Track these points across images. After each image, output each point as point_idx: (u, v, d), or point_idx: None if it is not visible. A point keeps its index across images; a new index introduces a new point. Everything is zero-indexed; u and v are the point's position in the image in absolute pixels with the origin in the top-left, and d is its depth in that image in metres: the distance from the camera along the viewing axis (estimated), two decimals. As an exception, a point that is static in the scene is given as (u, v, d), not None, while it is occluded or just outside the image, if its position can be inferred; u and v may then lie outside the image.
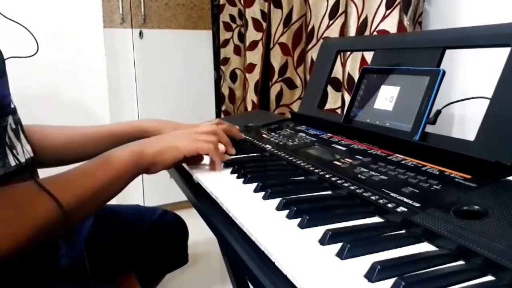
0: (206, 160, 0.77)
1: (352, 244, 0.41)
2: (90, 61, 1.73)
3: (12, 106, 0.70)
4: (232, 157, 0.76)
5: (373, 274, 0.36)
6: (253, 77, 1.99)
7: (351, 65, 1.39)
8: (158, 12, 2.12)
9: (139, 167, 0.64)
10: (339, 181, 0.60)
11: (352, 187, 0.57)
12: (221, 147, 0.75)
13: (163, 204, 2.13)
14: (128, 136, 0.87)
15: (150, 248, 0.94)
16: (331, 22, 1.51)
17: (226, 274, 1.28)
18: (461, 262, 0.39)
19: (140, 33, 2.09)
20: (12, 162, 0.64)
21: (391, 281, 0.35)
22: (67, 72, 1.68)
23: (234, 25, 2.17)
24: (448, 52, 0.71)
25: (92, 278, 0.80)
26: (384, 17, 1.25)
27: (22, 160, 0.67)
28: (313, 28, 1.62)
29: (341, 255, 0.40)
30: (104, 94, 1.78)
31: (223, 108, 2.27)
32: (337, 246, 0.42)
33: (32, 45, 0.76)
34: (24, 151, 0.68)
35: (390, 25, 1.24)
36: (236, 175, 0.69)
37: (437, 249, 0.42)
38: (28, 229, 0.50)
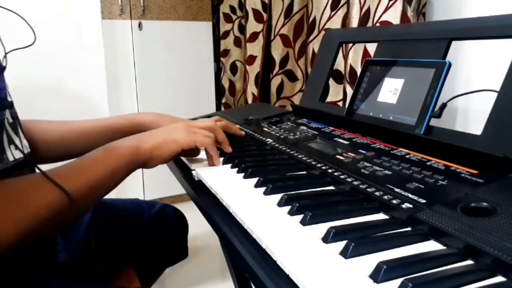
0: (204, 154, 0.75)
1: (357, 242, 0.40)
2: (89, 53, 1.71)
3: (9, 99, 0.68)
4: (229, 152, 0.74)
5: (379, 274, 0.35)
6: (254, 69, 1.97)
7: (353, 57, 1.37)
8: (157, 3, 2.10)
9: (135, 163, 0.63)
10: (342, 176, 0.59)
11: (355, 182, 0.56)
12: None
13: (163, 197, 2.12)
14: (124, 130, 0.85)
15: (149, 242, 0.93)
16: (332, 13, 1.49)
17: (226, 268, 1.28)
18: (469, 262, 0.38)
19: (139, 25, 2.06)
20: (11, 157, 0.62)
21: (397, 281, 0.34)
22: (65, 64, 1.66)
23: (234, 17, 2.14)
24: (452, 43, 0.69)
25: (91, 273, 0.79)
26: (387, 8, 1.23)
27: (21, 155, 0.65)
28: (314, 19, 1.59)
29: (345, 253, 0.39)
30: (103, 86, 1.75)
31: (223, 100, 2.25)
32: (341, 244, 0.40)
33: (28, 36, 0.74)
34: (23, 146, 0.67)
35: (393, 16, 1.22)
36: (236, 169, 0.67)
37: (444, 247, 0.41)
38: (32, 217, 0.50)
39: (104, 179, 0.59)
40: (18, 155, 0.64)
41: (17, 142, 0.65)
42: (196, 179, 0.69)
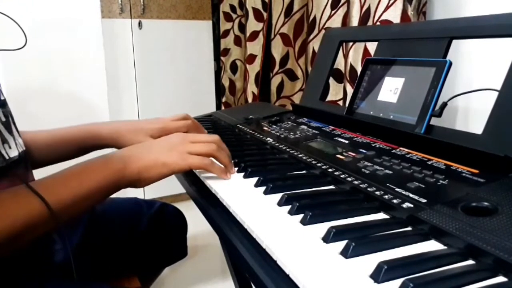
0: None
1: (357, 242, 0.39)
2: (88, 52, 1.71)
3: (2, 98, 0.67)
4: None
5: (379, 275, 0.35)
6: (254, 68, 1.97)
7: (353, 56, 1.37)
8: (157, 2, 2.09)
9: (119, 184, 0.60)
10: (342, 176, 0.59)
11: (355, 182, 0.56)
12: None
13: (163, 196, 2.12)
14: (80, 141, 0.82)
15: (148, 241, 0.93)
16: (333, 12, 1.49)
17: (226, 267, 1.28)
18: (470, 262, 0.37)
19: (139, 24, 2.06)
20: (5, 156, 0.62)
21: (398, 281, 0.34)
22: (65, 63, 1.66)
23: (234, 15, 2.14)
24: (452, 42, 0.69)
25: (90, 273, 0.79)
26: (387, 7, 1.23)
27: (15, 153, 0.65)
28: (314, 18, 1.59)
29: (345, 253, 0.39)
30: (102, 86, 1.75)
31: (223, 99, 2.25)
32: (342, 244, 0.40)
33: (24, 37, 0.74)
34: (17, 144, 0.67)
35: (394, 15, 1.22)
36: (236, 169, 0.67)
37: (445, 247, 0.40)
38: (10, 226, 0.50)
39: (86, 195, 0.57)
40: (12, 154, 0.64)
41: (11, 141, 0.65)
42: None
